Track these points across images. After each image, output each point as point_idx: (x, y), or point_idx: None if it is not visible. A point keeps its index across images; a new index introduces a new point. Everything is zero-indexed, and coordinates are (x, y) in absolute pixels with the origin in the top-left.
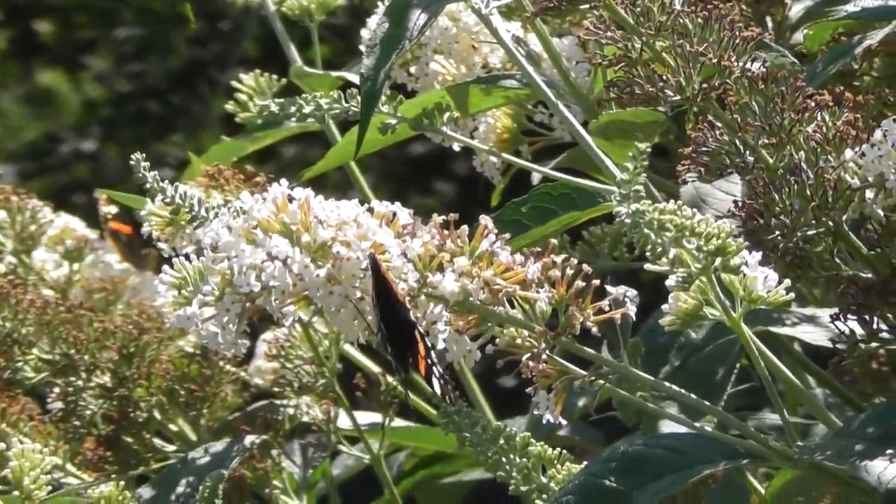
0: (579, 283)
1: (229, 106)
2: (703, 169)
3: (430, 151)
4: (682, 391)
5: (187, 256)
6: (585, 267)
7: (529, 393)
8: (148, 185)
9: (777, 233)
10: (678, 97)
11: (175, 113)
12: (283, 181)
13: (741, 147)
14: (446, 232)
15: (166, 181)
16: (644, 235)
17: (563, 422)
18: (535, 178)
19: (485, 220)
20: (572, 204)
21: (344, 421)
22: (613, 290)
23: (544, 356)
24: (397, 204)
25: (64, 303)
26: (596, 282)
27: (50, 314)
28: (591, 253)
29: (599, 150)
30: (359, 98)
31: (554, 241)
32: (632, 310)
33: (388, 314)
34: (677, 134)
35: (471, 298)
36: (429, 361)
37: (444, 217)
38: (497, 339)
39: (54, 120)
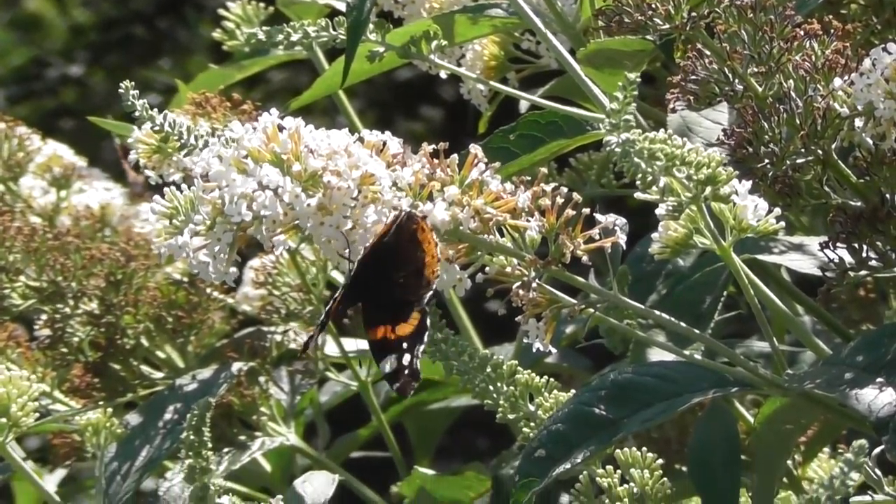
0: (569, 212)
1: (216, 34)
2: (691, 97)
3: (417, 77)
4: (671, 319)
5: (174, 184)
6: (575, 195)
7: (518, 321)
8: (136, 114)
9: (766, 161)
10: (667, 26)
11: (162, 38)
12: (274, 111)
13: (730, 76)
14: (436, 161)
15: (154, 109)
16: (634, 165)
17: (553, 350)
18: (523, 105)
19: (475, 148)
20: (560, 132)
21: (331, 348)
22: (603, 219)
23: (534, 284)
24: (387, 133)
25: (51, 230)
26: (586, 210)
27: (37, 241)
28: (579, 180)
29: (587, 79)
30: (346, 26)
31: (543, 169)
32: (622, 238)
33: (378, 273)
34: (664, 61)
35: (461, 227)
36: (413, 352)
37: (433, 146)
38: (487, 268)
39: (41, 45)
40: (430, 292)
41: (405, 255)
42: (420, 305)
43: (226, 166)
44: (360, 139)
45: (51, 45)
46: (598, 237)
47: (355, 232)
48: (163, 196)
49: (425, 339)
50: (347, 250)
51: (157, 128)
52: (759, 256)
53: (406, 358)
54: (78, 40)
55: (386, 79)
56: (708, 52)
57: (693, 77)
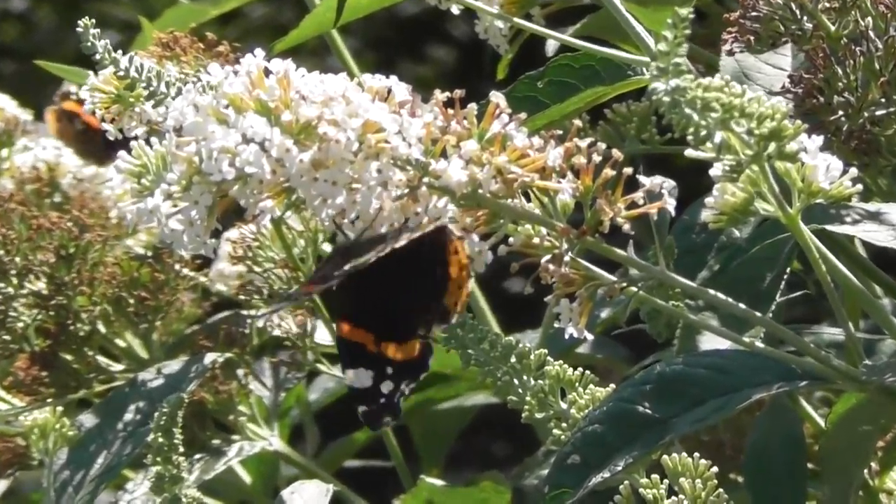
0: (608, 172)
1: None
2: (751, 38)
3: (423, 13)
4: (727, 299)
5: (137, 139)
6: (615, 152)
7: (547, 302)
8: (97, 56)
9: (840, 113)
10: None
11: None
12: (259, 51)
13: (797, 12)
14: (451, 111)
15: (119, 51)
16: (685, 116)
17: (588, 336)
18: (550, 47)
19: (496, 96)
20: (597, 78)
21: (323, 335)
22: (647, 181)
23: (567, 258)
24: (393, 78)
25: None
26: (627, 170)
27: None
28: (616, 136)
29: (629, 15)
30: None
31: (577, 122)
32: (670, 203)
33: (389, 276)
34: None
35: (480, 190)
36: (399, 385)
37: (447, 93)
38: (511, 239)
39: None
40: (445, 325)
41: (425, 273)
42: (426, 337)
43: (203, 116)
44: (361, 84)
45: None
46: (641, 202)
47: (356, 192)
48: (129, 152)
49: (420, 376)
50: (347, 216)
51: (121, 73)
52: (830, 227)
53: (387, 386)
54: None
55: (387, 14)
56: None
57: (753, 13)
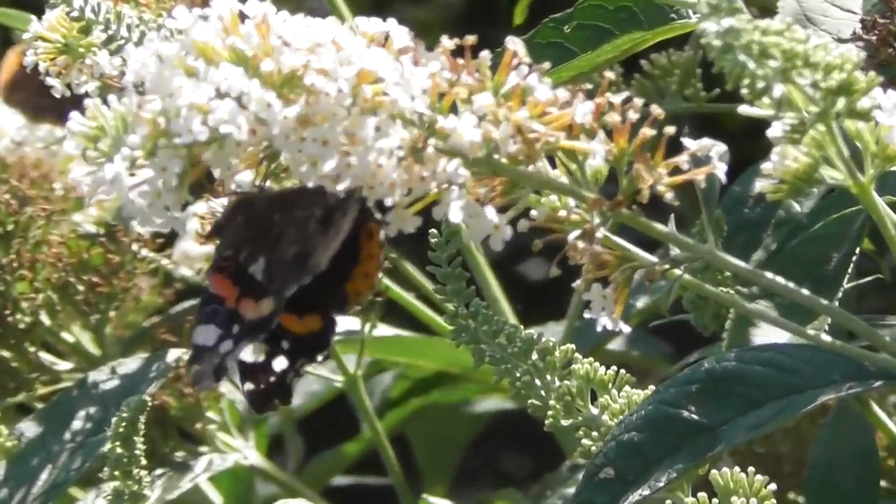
0: (647, 132)
1: None
2: None
3: None
4: (787, 284)
5: (89, 97)
6: (655, 109)
7: (573, 288)
8: None
9: None
10: None
11: None
12: None
13: None
14: (460, 61)
15: None
16: (739, 65)
17: (624, 328)
18: None
19: (514, 43)
20: (634, 21)
21: None
22: (693, 144)
23: (599, 234)
24: (391, 21)
25: None
26: (670, 130)
27: None
28: (654, 91)
29: None
30: None
31: (610, 73)
32: (720, 169)
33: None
34: None
35: (496, 153)
36: (294, 362)
37: (456, 40)
38: (532, 212)
39: None
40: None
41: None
42: (326, 314)
43: (169, 69)
44: (353, 29)
45: None
46: (686, 167)
47: (350, 154)
48: (82, 112)
49: (318, 356)
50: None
51: (75, 13)
52: None
53: (280, 363)
54: None
55: None
56: None
57: None
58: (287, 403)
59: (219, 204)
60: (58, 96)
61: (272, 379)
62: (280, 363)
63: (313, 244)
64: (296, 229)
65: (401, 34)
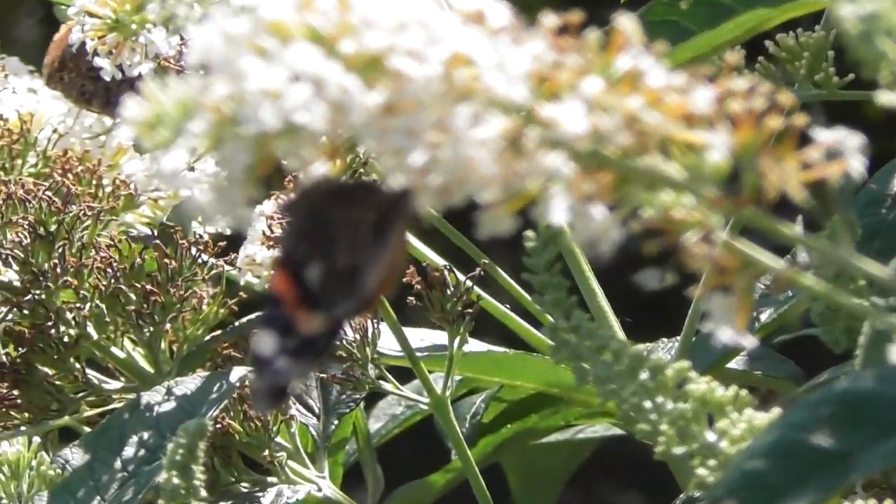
0: (774, 122)
1: None
2: None
3: None
4: None
5: (141, 79)
6: (786, 96)
7: (688, 298)
8: None
9: None
10: None
11: None
12: None
13: None
14: (565, 41)
15: None
16: (877, 52)
17: (747, 342)
18: None
19: (624, 21)
20: None
21: (389, 342)
22: (826, 135)
23: (720, 237)
24: None
25: None
26: (801, 120)
27: None
28: (780, 76)
29: None
30: None
31: (732, 55)
32: (856, 165)
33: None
34: None
35: (604, 146)
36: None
37: (560, 18)
38: (643, 212)
39: None
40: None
41: (363, 241)
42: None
43: (237, 49)
44: (445, 4)
45: None
46: (818, 162)
47: (443, 146)
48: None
49: (320, 360)
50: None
51: None
52: None
53: (282, 363)
54: None
55: None
56: None
57: None
58: (276, 407)
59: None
60: (107, 79)
61: (272, 381)
62: (279, 363)
63: (364, 257)
64: (349, 234)
65: (498, 11)
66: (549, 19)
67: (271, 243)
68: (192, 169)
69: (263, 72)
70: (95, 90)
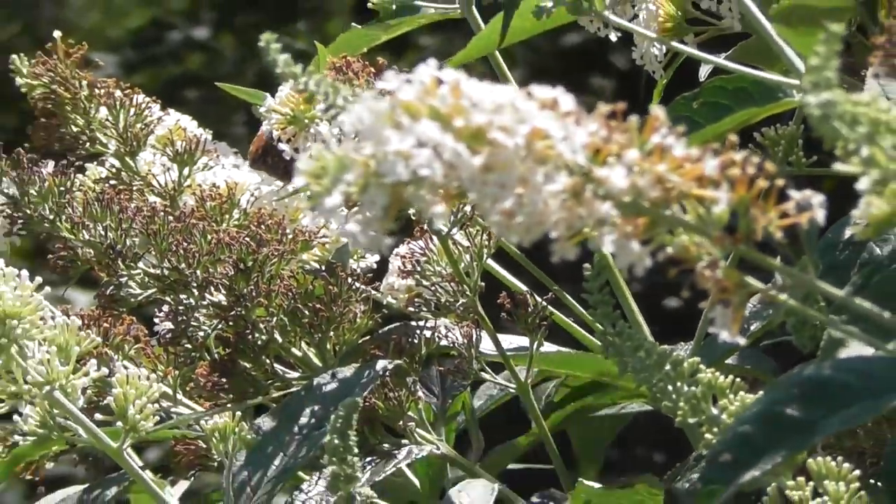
0: (762, 184)
1: None
2: (895, 63)
3: (585, 42)
4: (873, 307)
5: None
6: (769, 165)
7: (699, 313)
8: (278, 70)
9: None
10: None
11: None
12: (431, 61)
13: None
14: (613, 123)
15: (298, 65)
16: (834, 131)
17: (741, 341)
18: (702, 74)
19: (657, 110)
20: (749, 99)
21: (487, 345)
22: (798, 194)
23: (721, 265)
24: (559, 88)
25: (173, 211)
26: (780, 182)
27: (157, 223)
28: (765, 158)
29: (779, 39)
30: None
31: (733, 136)
32: (820, 214)
33: None
34: (860, 24)
35: (640, 200)
36: None
37: (611, 106)
38: (667, 248)
39: (162, 5)
40: None
41: None
42: None
43: (379, 121)
44: (528, 94)
45: (173, 5)
46: (792, 212)
47: (525, 195)
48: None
49: None
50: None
51: (300, 86)
52: None
53: None
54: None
55: (551, 44)
56: None
57: None
58: None
59: (417, 246)
60: (287, 158)
61: None
62: None
63: None
64: None
65: (567, 100)
66: (603, 107)
67: (404, 275)
68: (348, 208)
69: (398, 139)
70: (287, 169)
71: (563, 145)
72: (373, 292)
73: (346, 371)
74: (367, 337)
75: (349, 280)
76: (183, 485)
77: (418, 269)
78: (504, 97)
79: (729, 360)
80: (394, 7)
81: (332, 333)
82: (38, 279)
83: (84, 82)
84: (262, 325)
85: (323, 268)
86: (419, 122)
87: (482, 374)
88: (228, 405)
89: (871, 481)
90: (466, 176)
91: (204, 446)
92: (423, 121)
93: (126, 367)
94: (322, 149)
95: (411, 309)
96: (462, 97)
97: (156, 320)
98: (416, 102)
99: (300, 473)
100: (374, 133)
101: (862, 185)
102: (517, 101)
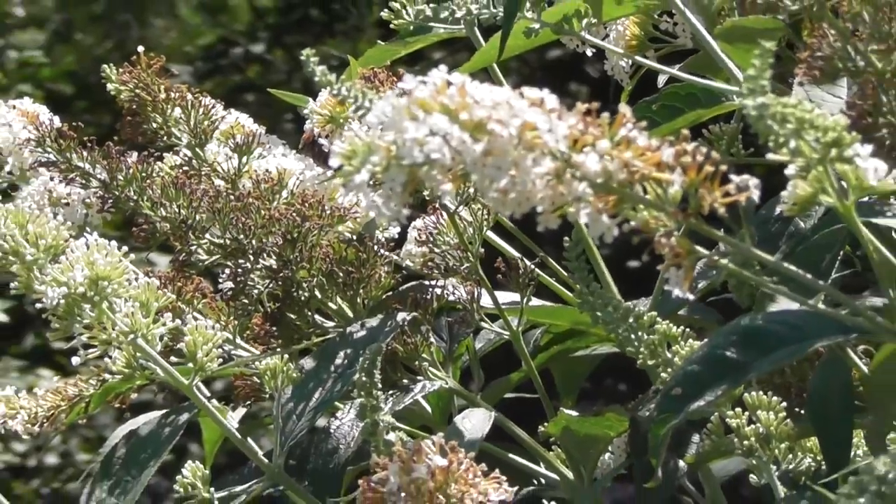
0: (708, 168)
1: (384, 14)
2: (818, 72)
3: (565, 55)
4: (799, 270)
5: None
6: (714, 154)
7: (657, 272)
8: (317, 79)
9: (885, 131)
10: (796, 6)
11: (335, 19)
12: (443, 66)
13: (853, 53)
14: (589, 118)
15: (333, 75)
16: (768, 127)
17: (690, 297)
18: (660, 83)
19: (624, 108)
20: (698, 102)
21: (486, 300)
22: (737, 178)
23: (675, 235)
24: (545, 90)
25: (234, 192)
26: (723, 167)
27: (221, 203)
28: (710, 148)
29: (723, 54)
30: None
31: (685, 131)
32: (755, 194)
33: None
34: (788, 41)
35: (610, 180)
36: None
37: (587, 105)
38: (632, 222)
39: (227, 26)
40: None
41: None
42: None
43: (399, 114)
44: (521, 94)
45: (236, 26)
46: (733, 192)
47: (515, 176)
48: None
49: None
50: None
51: (335, 91)
52: (875, 220)
53: None
54: (260, 21)
55: (538, 57)
56: (833, 32)
57: (819, 54)
58: None
59: (430, 220)
60: (326, 150)
61: None
62: None
63: None
64: None
65: (551, 99)
66: (581, 106)
67: (419, 244)
68: (374, 184)
69: (415, 128)
70: (326, 158)
71: (548, 136)
72: (394, 257)
73: (373, 321)
74: (390, 293)
75: (375, 248)
76: (241, 411)
77: (431, 239)
78: (501, 96)
79: (681, 312)
80: (411, 28)
81: (361, 291)
82: (125, 248)
83: (162, 87)
84: (304, 285)
85: (354, 238)
86: (432, 116)
87: (482, 323)
88: (278, 349)
89: (796, 410)
90: (470, 160)
91: (258, 381)
92: (435, 114)
93: (195, 319)
94: (353, 136)
95: (425, 271)
96: (467, 96)
97: (219, 280)
98: (429, 99)
99: (336, 404)
100: (395, 123)
101: (790, 171)
102: (511, 99)
